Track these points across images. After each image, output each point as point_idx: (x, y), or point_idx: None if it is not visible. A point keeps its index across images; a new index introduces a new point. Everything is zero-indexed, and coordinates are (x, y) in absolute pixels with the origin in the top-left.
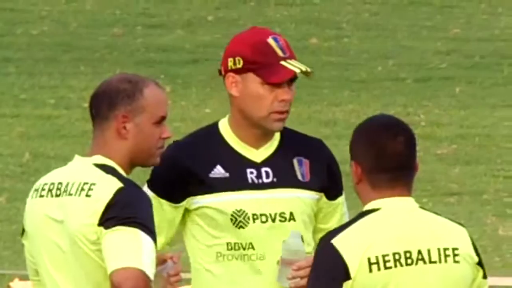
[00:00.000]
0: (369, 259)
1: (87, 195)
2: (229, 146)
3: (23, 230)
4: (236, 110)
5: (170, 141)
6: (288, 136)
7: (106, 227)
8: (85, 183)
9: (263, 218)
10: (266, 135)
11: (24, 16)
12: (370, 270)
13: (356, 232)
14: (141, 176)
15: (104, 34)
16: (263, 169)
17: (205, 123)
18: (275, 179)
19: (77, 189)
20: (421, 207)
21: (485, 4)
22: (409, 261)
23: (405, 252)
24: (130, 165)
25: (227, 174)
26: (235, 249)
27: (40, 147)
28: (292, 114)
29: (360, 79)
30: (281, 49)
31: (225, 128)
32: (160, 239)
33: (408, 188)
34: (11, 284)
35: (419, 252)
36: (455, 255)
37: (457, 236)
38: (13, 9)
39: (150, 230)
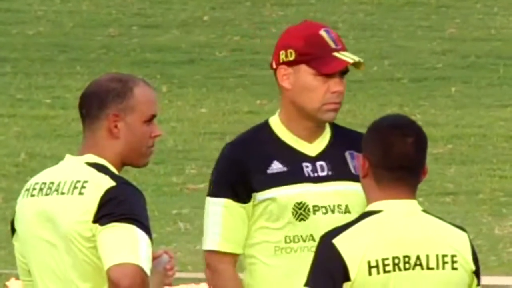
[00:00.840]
0: (369, 262)
1: (80, 193)
2: (282, 141)
3: (14, 231)
4: (288, 103)
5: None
6: (338, 130)
7: (102, 224)
8: (78, 181)
9: (323, 210)
10: (318, 128)
11: (20, 16)
12: (370, 273)
13: (357, 234)
14: (136, 176)
15: (100, 34)
16: (318, 163)
17: (201, 123)
18: (330, 173)
19: (70, 188)
20: (423, 210)
21: (481, 4)
22: (407, 265)
23: (404, 257)
24: (121, 164)
25: (284, 169)
26: (294, 242)
27: (36, 147)
28: None
29: (356, 79)
30: (333, 41)
31: (276, 124)
32: (238, 244)
33: (411, 190)
34: (7, 283)
35: (418, 258)
36: (453, 261)
37: (457, 242)
38: (9, 9)
39: (145, 226)
